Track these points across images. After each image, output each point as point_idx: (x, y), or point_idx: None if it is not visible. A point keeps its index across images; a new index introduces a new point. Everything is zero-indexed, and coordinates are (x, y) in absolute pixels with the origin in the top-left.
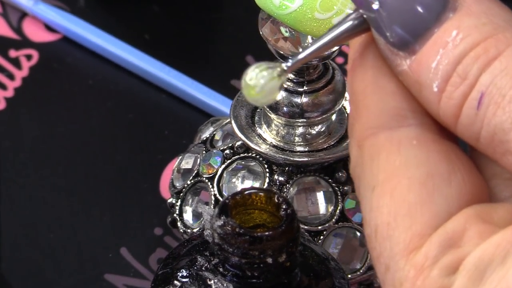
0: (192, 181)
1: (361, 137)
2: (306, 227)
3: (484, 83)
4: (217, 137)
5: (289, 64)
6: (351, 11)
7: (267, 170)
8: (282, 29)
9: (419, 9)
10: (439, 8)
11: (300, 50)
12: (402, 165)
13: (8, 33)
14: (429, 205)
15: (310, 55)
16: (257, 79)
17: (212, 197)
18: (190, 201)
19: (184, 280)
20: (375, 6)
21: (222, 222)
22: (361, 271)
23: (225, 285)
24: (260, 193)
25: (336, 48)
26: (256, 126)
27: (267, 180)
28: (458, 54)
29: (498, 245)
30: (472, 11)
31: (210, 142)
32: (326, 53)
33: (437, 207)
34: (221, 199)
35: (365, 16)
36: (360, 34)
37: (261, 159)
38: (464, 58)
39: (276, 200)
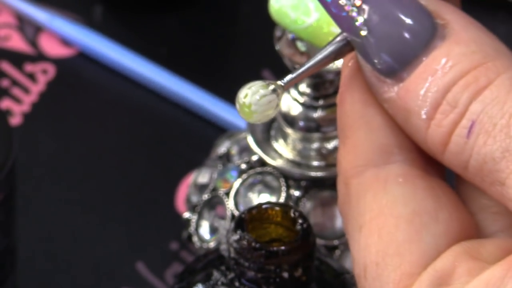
0: (208, 195)
1: (347, 175)
2: (322, 241)
3: (475, 112)
4: (233, 151)
5: (284, 81)
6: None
7: (283, 184)
8: (298, 44)
9: (407, 36)
10: (428, 36)
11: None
12: (389, 203)
13: (24, 47)
14: (417, 244)
15: (304, 73)
16: (253, 97)
17: (228, 212)
18: (206, 215)
19: None
20: (363, 32)
21: (238, 237)
22: None
23: None
24: (276, 208)
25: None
26: (272, 140)
27: (283, 194)
28: (447, 82)
29: (488, 282)
30: (461, 39)
31: (226, 157)
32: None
33: (425, 245)
34: (237, 213)
35: (351, 41)
36: (350, 52)
37: (277, 173)
38: (454, 86)
39: (292, 215)
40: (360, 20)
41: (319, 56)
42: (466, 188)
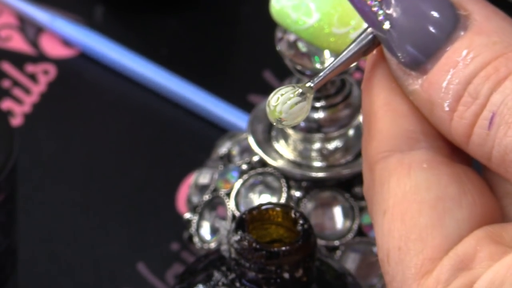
0: (209, 196)
1: (372, 160)
2: (323, 242)
3: (495, 103)
4: (234, 152)
5: (313, 82)
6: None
7: (284, 185)
8: (299, 44)
9: (430, 28)
10: (450, 27)
11: (320, 67)
12: (413, 189)
13: (25, 48)
14: (440, 229)
15: (332, 73)
16: (283, 102)
17: (229, 212)
18: (207, 216)
19: None
20: (386, 26)
21: (239, 237)
22: (378, 286)
23: None
24: (277, 208)
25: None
26: (273, 141)
27: (284, 195)
28: (468, 74)
29: (509, 266)
30: (483, 30)
31: (227, 157)
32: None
33: (448, 230)
34: (238, 214)
35: (376, 35)
36: (378, 46)
37: (278, 174)
38: (475, 78)
39: (293, 215)
40: (382, 14)
41: (346, 55)
42: (492, 174)
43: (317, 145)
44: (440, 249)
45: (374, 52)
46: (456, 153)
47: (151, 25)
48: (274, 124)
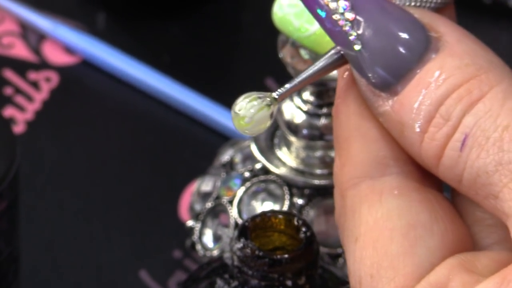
0: (212, 203)
1: (343, 187)
2: (325, 249)
3: (468, 125)
4: (236, 159)
5: (278, 93)
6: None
7: (286, 192)
8: (302, 52)
9: (402, 49)
10: (422, 49)
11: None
12: (384, 216)
13: (28, 55)
14: (411, 256)
15: (298, 85)
16: (247, 109)
17: (232, 220)
18: (210, 223)
19: None
20: (357, 47)
21: (241, 245)
22: None
23: None
24: (280, 216)
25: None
26: (276, 148)
27: (286, 202)
28: (440, 95)
29: None
30: (455, 52)
31: (229, 165)
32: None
33: (419, 258)
34: (240, 221)
35: (345, 55)
36: (345, 64)
37: (280, 181)
38: (447, 99)
39: (296, 223)
40: (353, 34)
41: (313, 69)
42: (461, 201)
43: (319, 153)
44: (412, 277)
45: (344, 76)
46: (427, 178)
47: (153, 32)
48: (237, 129)
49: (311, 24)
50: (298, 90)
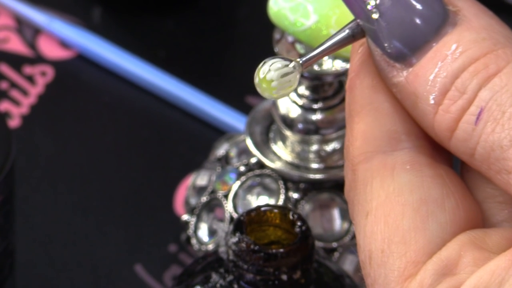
0: (207, 198)
1: (355, 161)
2: (321, 244)
3: (484, 99)
4: (232, 154)
5: (303, 59)
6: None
7: (282, 187)
8: (298, 46)
9: (419, 21)
10: (439, 22)
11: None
12: (396, 191)
13: (23, 50)
14: (423, 232)
15: (320, 55)
16: (273, 72)
17: (227, 214)
18: (205, 218)
19: None
20: (375, 16)
21: (236, 239)
22: None
23: None
24: (275, 210)
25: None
26: (271, 143)
27: (282, 197)
28: (457, 68)
29: (493, 272)
30: (472, 26)
31: (225, 159)
32: (340, 69)
33: (431, 233)
34: (235, 216)
35: (362, 26)
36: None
37: (276, 176)
38: (463, 72)
39: (291, 217)
40: (372, 3)
41: (333, 40)
42: (472, 177)
43: (315, 147)
44: (423, 253)
45: (359, 50)
46: (438, 153)
47: (149, 27)
48: (262, 94)
49: (307, 19)
50: (321, 59)
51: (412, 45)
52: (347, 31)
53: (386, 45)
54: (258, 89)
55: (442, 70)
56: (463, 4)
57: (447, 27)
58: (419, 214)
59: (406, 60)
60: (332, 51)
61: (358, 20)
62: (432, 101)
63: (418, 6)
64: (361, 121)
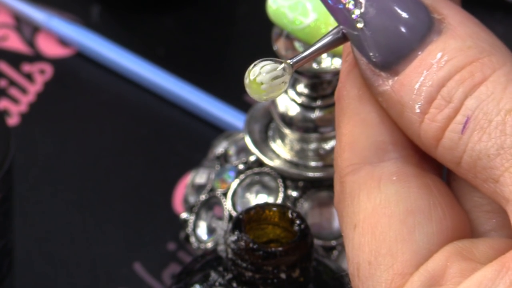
0: (206, 196)
1: (342, 173)
2: (320, 242)
3: (470, 108)
4: (231, 152)
5: (293, 60)
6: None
7: (281, 185)
8: (296, 44)
9: (404, 30)
10: (424, 30)
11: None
12: (382, 202)
13: (22, 47)
14: (410, 243)
15: (313, 54)
16: (263, 75)
17: (226, 212)
18: (204, 216)
19: None
20: (360, 25)
21: (235, 237)
22: None
23: None
24: (274, 208)
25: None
26: (270, 141)
27: (281, 195)
28: (442, 77)
29: (479, 283)
30: (457, 34)
31: (224, 157)
32: (339, 67)
33: (418, 244)
34: (234, 214)
35: (347, 34)
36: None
37: (275, 174)
38: (449, 81)
39: (290, 215)
40: (356, 12)
41: (324, 40)
42: (459, 185)
43: (313, 145)
44: (410, 264)
45: (347, 59)
46: (426, 162)
47: (148, 25)
48: (251, 95)
49: (306, 17)
50: (312, 60)
51: (397, 54)
52: (330, 36)
53: (371, 54)
54: (248, 90)
55: (428, 79)
56: (448, 12)
57: (432, 35)
58: (406, 225)
59: (392, 69)
60: (324, 52)
61: (343, 28)
62: (418, 110)
63: (403, 15)
64: (348, 133)
